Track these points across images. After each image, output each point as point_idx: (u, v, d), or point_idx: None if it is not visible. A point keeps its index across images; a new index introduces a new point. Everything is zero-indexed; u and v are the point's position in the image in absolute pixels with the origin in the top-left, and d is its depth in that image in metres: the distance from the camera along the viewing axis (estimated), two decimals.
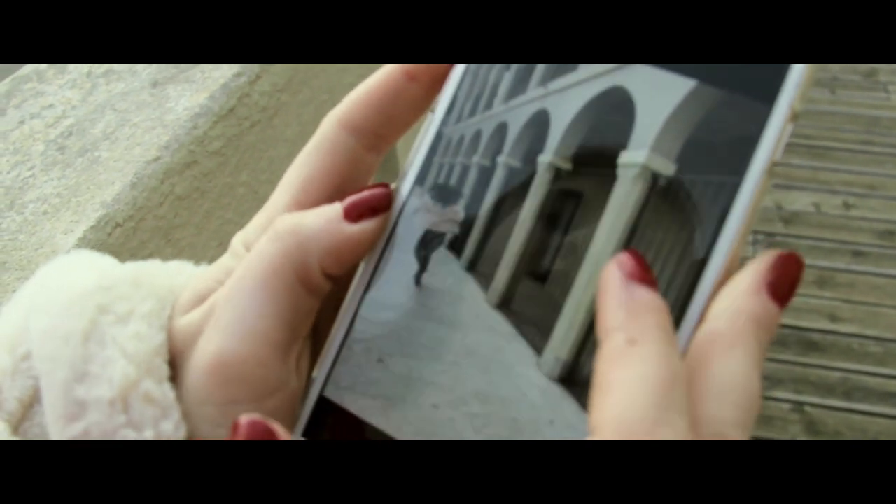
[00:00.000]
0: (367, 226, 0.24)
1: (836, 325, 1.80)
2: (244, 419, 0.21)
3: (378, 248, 0.24)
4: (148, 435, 0.22)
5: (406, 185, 0.24)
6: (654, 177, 0.20)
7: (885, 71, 2.60)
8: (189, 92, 0.64)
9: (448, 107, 0.25)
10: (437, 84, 0.25)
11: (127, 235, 0.54)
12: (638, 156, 0.20)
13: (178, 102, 0.62)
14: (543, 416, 0.19)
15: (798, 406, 1.65)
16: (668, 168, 0.19)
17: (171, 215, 0.58)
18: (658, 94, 0.20)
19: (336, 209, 0.24)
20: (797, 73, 0.20)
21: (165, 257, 0.60)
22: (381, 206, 0.24)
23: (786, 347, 1.75)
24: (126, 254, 0.54)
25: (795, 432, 1.59)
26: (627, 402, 0.18)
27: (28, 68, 0.70)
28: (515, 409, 0.19)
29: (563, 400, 0.19)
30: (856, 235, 2.02)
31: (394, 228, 0.24)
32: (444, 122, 0.25)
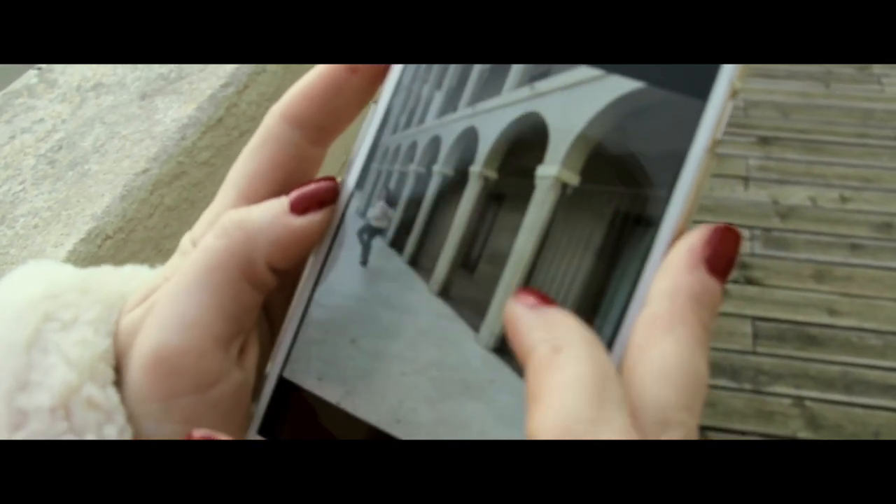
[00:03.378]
0: (313, 218, 0.24)
1: (834, 319, 1.80)
2: (197, 434, 0.21)
3: (327, 239, 0.25)
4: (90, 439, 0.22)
5: (352, 177, 0.25)
6: (564, 186, 0.23)
7: (879, 64, 2.60)
8: (177, 103, 0.64)
9: (391, 98, 0.25)
10: (380, 75, 0.25)
11: (117, 247, 0.54)
12: (551, 170, 0.23)
13: (167, 114, 0.63)
14: (486, 377, 0.23)
15: (798, 401, 1.65)
16: (574, 179, 0.23)
17: (160, 226, 0.58)
18: (568, 117, 0.23)
19: (282, 203, 0.24)
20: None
21: (153, 267, 0.61)
22: (327, 198, 0.24)
23: (785, 342, 1.76)
24: (117, 265, 0.54)
25: (796, 427, 1.60)
26: (563, 404, 0.18)
27: (18, 83, 0.70)
28: (464, 373, 0.23)
29: (499, 365, 0.23)
30: (853, 229, 2.02)
31: (341, 220, 0.25)
32: (387, 112, 0.25)
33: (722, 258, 0.20)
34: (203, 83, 0.66)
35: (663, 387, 0.19)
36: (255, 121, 0.69)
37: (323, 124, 0.26)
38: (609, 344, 0.21)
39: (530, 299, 0.20)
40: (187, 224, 0.61)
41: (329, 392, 0.24)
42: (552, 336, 0.19)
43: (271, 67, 0.72)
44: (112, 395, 0.22)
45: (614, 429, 0.18)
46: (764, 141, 2.31)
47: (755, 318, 1.81)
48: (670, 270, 0.20)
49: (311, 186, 0.24)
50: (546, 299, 0.20)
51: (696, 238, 0.21)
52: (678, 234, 0.21)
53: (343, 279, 0.25)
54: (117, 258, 0.54)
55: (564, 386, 0.18)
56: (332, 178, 0.25)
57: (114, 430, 0.22)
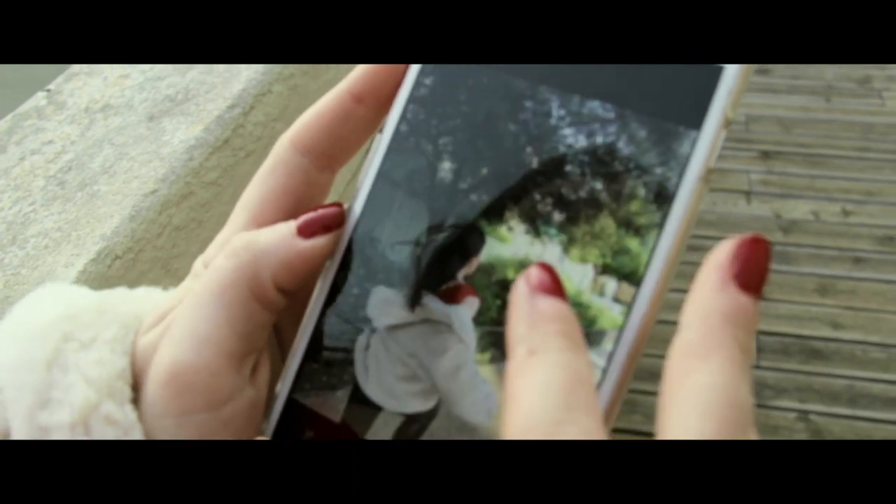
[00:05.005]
0: (318, 241, 0.25)
1: (838, 333, 1.80)
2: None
3: (334, 264, 0.26)
4: None
5: (358, 204, 0.26)
6: None
7: (879, 78, 2.61)
8: (184, 125, 0.65)
9: (396, 127, 0.26)
10: (385, 106, 0.26)
11: (126, 267, 0.55)
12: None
13: (174, 135, 0.64)
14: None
15: (803, 415, 1.64)
16: None
17: (169, 246, 0.59)
18: None
19: (290, 226, 0.25)
20: (729, 78, 0.21)
21: (165, 287, 0.61)
22: (333, 223, 0.25)
23: (789, 356, 1.76)
24: (125, 285, 0.55)
25: None
26: (527, 408, 0.18)
27: (27, 105, 0.71)
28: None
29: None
30: (855, 242, 2.02)
31: (349, 245, 0.26)
32: (391, 143, 0.26)
33: (753, 272, 0.20)
34: (210, 104, 0.67)
35: (704, 420, 0.18)
36: (261, 141, 0.70)
37: (330, 152, 0.27)
38: (604, 371, 0.21)
39: (535, 278, 0.20)
40: (195, 244, 0.62)
41: (336, 412, 0.25)
42: (532, 336, 0.19)
43: (276, 88, 0.73)
44: (129, 412, 0.23)
45: (578, 430, 0.18)
46: (765, 155, 2.31)
47: (759, 333, 1.81)
48: (700, 291, 0.20)
49: (319, 212, 0.25)
50: (551, 283, 0.20)
51: (722, 254, 0.20)
52: (671, 263, 0.21)
53: (351, 302, 0.25)
54: (126, 278, 0.55)
55: (531, 390, 0.18)
56: (339, 205, 0.26)
57: None
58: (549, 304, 0.20)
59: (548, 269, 0.20)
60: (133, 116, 0.67)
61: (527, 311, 0.20)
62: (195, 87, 0.70)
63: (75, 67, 0.76)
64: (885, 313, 1.84)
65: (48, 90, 0.73)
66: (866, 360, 1.74)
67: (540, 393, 0.18)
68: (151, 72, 0.73)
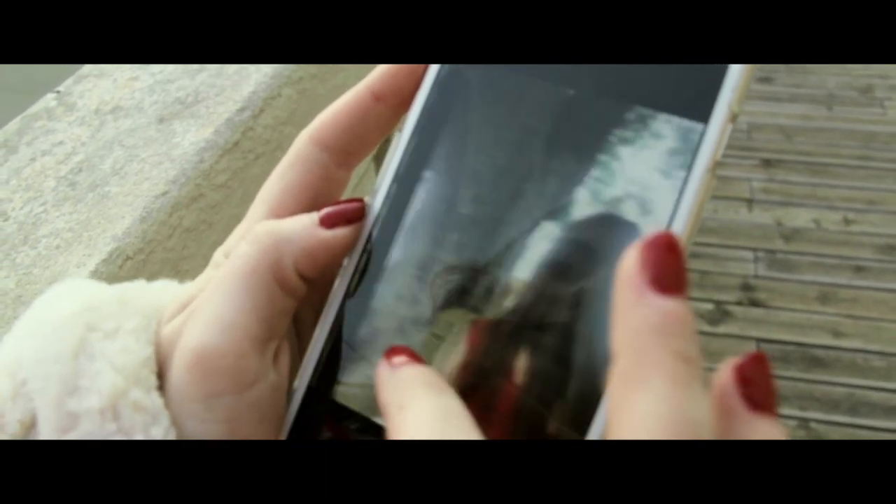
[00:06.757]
0: (339, 232, 0.26)
1: (839, 341, 1.81)
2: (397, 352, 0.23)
3: (354, 257, 0.26)
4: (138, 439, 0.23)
5: (378, 201, 0.27)
6: None
7: (881, 87, 2.62)
8: (195, 127, 0.66)
9: (414, 127, 0.26)
10: (404, 104, 0.27)
11: (137, 268, 0.55)
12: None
13: (185, 137, 0.64)
14: None
15: (804, 423, 1.65)
16: None
17: (179, 247, 0.59)
18: None
19: (312, 216, 0.26)
20: (735, 75, 0.22)
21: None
22: (354, 217, 0.26)
23: (790, 364, 1.76)
24: None
25: None
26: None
27: (37, 106, 0.72)
28: None
29: None
30: (857, 251, 2.03)
31: (368, 240, 0.26)
32: (410, 141, 0.26)
33: (667, 272, 0.18)
34: (220, 107, 0.68)
35: None
36: (271, 144, 0.70)
37: (348, 148, 0.27)
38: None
39: (398, 359, 0.22)
40: (205, 246, 0.63)
41: (354, 402, 0.25)
42: (399, 396, 0.21)
43: (286, 92, 0.73)
44: (156, 399, 0.24)
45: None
46: (767, 163, 2.32)
47: (760, 340, 1.81)
48: (620, 312, 0.18)
49: (341, 205, 0.26)
50: (410, 357, 0.22)
51: (630, 265, 0.18)
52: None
53: (371, 297, 0.26)
54: (137, 278, 0.55)
55: (411, 434, 0.20)
56: (360, 200, 0.27)
57: (160, 430, 0.23)
58: (408, 370, 0.22)
59: (402, 349, 0.23)
60: (143, 118, 0.68)
61: (390, 380, 0.22)
62: (205, 90, 0.71)
63: (85, 69, 0.77)
64: (886, 322, 1.84)
65: (58, 92, 0.74)
66: (867, 369, 1.74)
67: (416, 432, 0.20)
68: (161, 74, 0.74)
